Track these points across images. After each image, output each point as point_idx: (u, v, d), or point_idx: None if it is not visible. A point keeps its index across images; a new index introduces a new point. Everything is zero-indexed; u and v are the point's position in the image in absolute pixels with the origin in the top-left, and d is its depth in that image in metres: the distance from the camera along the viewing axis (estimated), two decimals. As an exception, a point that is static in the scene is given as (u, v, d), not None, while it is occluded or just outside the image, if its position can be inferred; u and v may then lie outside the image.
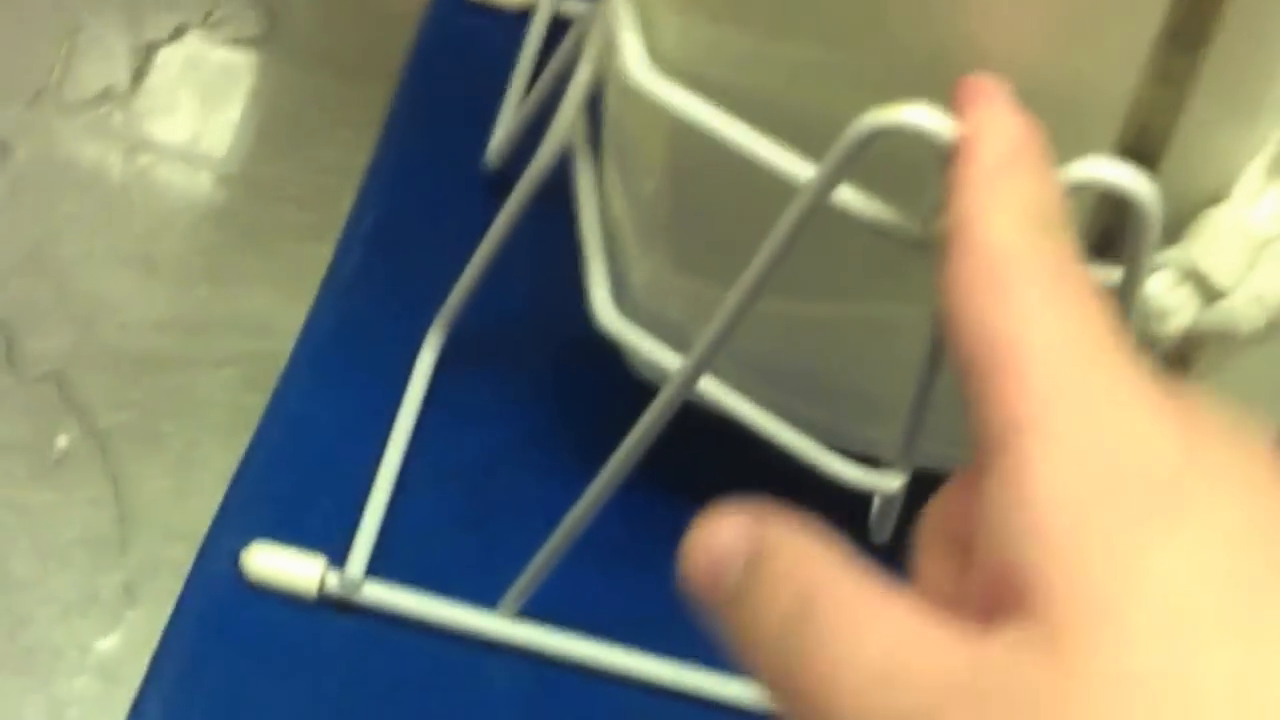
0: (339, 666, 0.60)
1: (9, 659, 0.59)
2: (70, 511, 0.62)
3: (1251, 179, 0.45)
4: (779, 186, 0.45)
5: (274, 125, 0.72)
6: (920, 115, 0.40)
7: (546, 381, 0.66)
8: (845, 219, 0.44)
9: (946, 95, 0.39)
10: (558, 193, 0.59)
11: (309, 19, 0.75)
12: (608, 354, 0.59)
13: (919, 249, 0.43)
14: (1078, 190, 0.40)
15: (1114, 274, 0.44)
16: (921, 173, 0.41)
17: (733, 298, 0.47)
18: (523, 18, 0.74)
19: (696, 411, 0.54)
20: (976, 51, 0.42)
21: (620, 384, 0.58)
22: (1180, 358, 0.49)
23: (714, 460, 0.55)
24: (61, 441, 0.63)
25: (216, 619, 0.60)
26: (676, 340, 0.55)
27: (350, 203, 0.69)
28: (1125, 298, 0.44)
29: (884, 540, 0.56)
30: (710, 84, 0.47)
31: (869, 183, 0.44)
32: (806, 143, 0.45)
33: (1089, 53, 0.42)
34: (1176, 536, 0.30)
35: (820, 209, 0.44)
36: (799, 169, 0.45)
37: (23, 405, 0.64)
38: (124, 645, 0.60)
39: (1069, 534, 0.30)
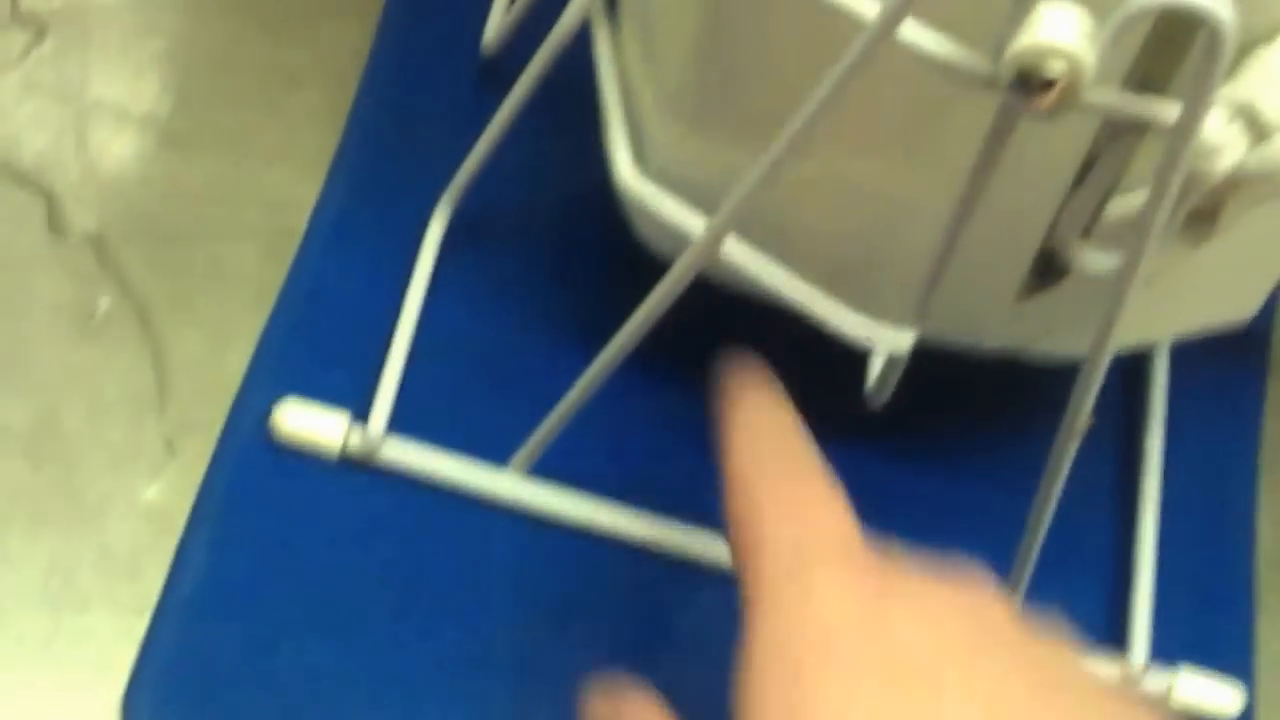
0: (357, 520, 0.61)
1: (62, 504, 0.61)
2: (112, 371, 0.64)
3: None
4: (825, 30, 0.45)
5: (288, 9, 0.74)
6: None
7: (554, 255, 0.67)
8: (905, 61, 0.44)
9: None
10: (560, 74, 0.59)
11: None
12: (614, 229, 0.59)
13: (987, 88, 0.43)
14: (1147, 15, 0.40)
15: (1168, 109, 0.44)
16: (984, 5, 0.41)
17: (772, 152, 0.47)
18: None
19: (706, 280, 0.55)
20: None
21: (627, 258, 0.58)
22: (1208, 211, 0.49)
23: (721, 327, 0.55)
24: (103, 304, 0.65)
25: (247, 474, 0.61)
26: (701, 205, 0.55)
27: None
28: (1183, 133, 0.43)
29: (880, 405, 0.58)
30: None
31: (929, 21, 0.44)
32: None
33: None
34: (830, 685, 0.41)
35: (882, 49, 0.43)
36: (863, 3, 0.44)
37: (67, 269, 0.66)
38: (168, 494, 0.61)
39: (757, 690, 0.42)
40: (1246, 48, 0.45)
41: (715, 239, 0.52)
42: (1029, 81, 0.43)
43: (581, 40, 0.59)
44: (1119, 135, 0.49)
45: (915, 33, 0.44)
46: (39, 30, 0.71)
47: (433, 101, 0.70)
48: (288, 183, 0.68)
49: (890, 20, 0.44)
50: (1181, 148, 0.43)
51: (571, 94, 0.60)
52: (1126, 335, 0.53)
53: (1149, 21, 0.44)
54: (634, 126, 0.58)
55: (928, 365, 0.57)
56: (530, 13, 0.67)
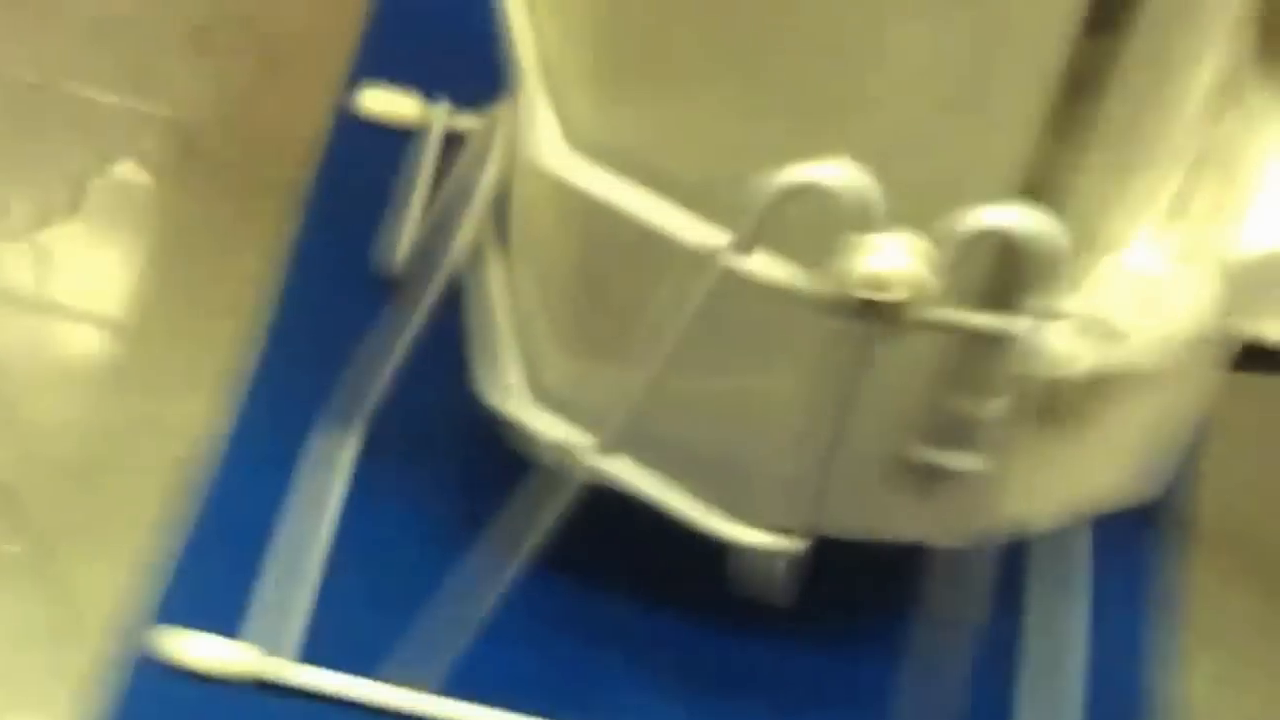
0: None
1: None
2: (14, 607, 0.64)
3: (1148, 224, 0.47)
4: (687, 259, 0.46)
5: (191, 243, 0.75)
6: (830, 171, 0.42)
7: (463, 468, 0.67)
8: (754, 286, 0.45)
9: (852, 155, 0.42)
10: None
11: (219, 146, 0.78)
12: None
13: (825, 310, 0.45)
14: (982, 238, 0.42)
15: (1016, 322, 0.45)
16: (827, 234, 0.43)
17: (640, 374, 0.49)
18: (416, 134, 0.77)
19: (604, 493, 0.55)
20: (879, 114, 0.44)
21: (529, 469, 0.59)
22: (1068, 410, 0.50)
23: (627, 539, 0.56)
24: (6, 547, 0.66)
25: (153, 705, 0.61)
26: (585, 423, 0.55)
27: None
28: (1023, 344, 0.45)
29: (789, 603, 0.58)
30: (622, 162, 0.48)
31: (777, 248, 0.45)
32: (714, 212, 0.46)
33: (983, 114, 0.44)
34: None
35: (729, 276, 0.45)
36: (708, 236, 0.46)
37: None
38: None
39: None
40: (1097, 256, 0.47)
41: (595, 460, 0.54)
42: (867, 305, 0.44)
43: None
44: (973, 344, 0.49)
45: (757, 263, 0.46)
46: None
47: (338, 322, 0.70)
48: (192, 411, 0.68)
49: (739, 248, 0.45)
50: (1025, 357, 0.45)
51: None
52: (1033, 514, 0.55)
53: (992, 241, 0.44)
54: (524, 348, 0.59)
55: (824, 553, 0.56)
56: (432, 229, 0.67)
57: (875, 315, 0.44)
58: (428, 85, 0.73)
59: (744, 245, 0.45)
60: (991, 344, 0.48)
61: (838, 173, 0.42)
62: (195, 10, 0.80)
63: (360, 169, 0.76)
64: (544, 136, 0.49)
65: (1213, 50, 0.45)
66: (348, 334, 0.69)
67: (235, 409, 0.68)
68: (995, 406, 0.48)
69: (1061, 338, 0.46)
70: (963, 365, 0.50)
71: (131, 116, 0.77)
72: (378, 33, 0.79)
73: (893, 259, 0.43)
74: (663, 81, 0.46)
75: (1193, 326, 0.47)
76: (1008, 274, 0.47)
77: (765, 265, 0.46)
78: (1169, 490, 0.61)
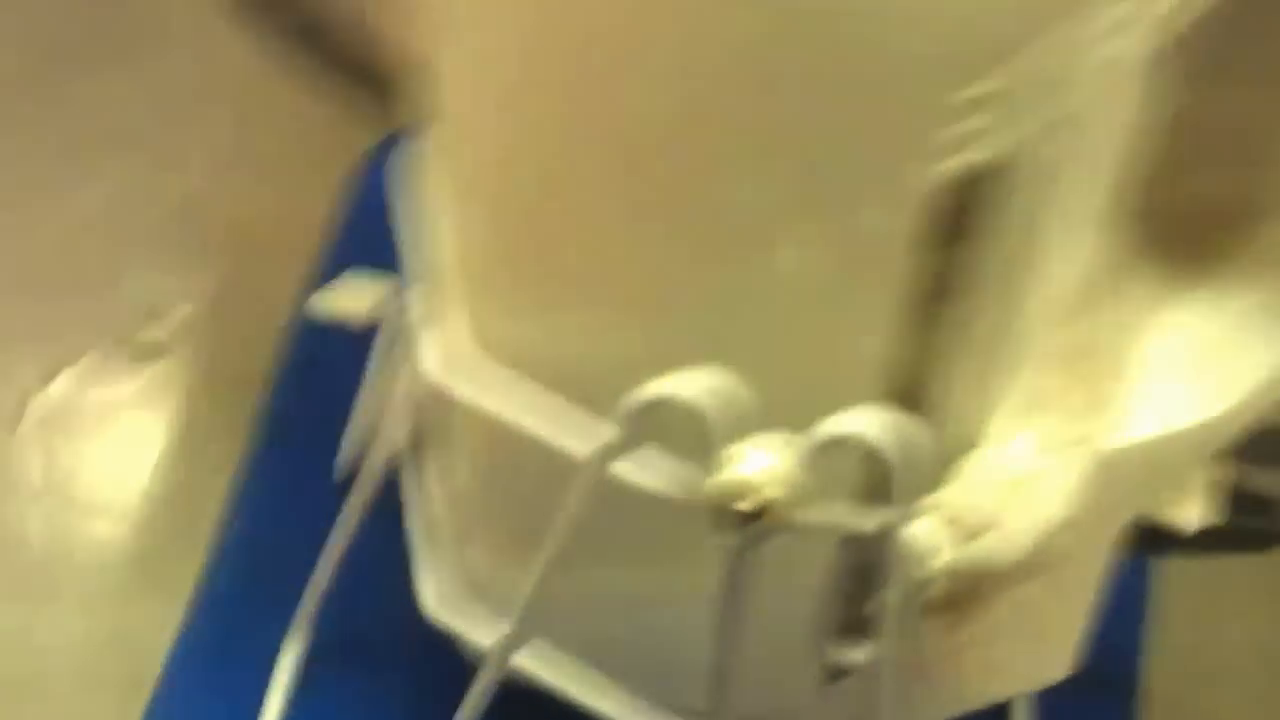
0: None
1: None
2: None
3: (1004, 423, 0.48)
4: (569, 463, 0.47)
5: (160, 440, 0.75)
6: (686, 386, 0.43)
7: (411, 674, 0.67)
8: (630, 490, 0.47)
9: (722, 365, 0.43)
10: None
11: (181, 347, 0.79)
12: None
13: (684, 514, 0.46)
14: (841, 443, 0.43)
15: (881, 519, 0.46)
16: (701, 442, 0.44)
17: (532, 574, 0.50)
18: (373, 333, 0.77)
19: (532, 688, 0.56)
20: (747, 328, 0.45)
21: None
22: (952, 602, 0.50)
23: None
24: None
25: None
26: (504, 618, 0.56)
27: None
28: (888, 542, 0.46)
29: None
30: (512, 366, 0.49)
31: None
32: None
33: (842, 322, 0.45)
34: None
35: (605, 480, 0.47)
36: (581, 444, 0.47)
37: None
38: None
39: None
40: (961, 454, 0.48)
41: (504, 659, 0.55)
42: (731, 510, 0.45)
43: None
44: (852, 542, 0.50)
45: (631, 470, 0.47)
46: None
47: (296, 525, 0.70)
48: (145, 622, 0.68)
49: (606, 457, 0.46)
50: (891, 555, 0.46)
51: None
52: (945, 701, 0.55)
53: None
54: (444, 550, 0.59)
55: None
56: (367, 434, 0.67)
57: (744, 520, 0.45)
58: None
59: (613, 453, 0.46)
60: (869, 541, 0.48)
61: (699, 384, 0.43)
62: (155, 212, 0.80)
63: (327, 363, 0.76)
64: (429, 349, 0.51)
65: (1073, 252, 0.46)
66: (303, 537, 0.69)
67: (184, 619, 0.68)
68: (885, 600, 0.49)
69: (929, 532, 0.47)
70: (847, 561, 0.51)
71: (90, 323, 0.77)
72: (349, 226, 0.79)
73: (753, 467, 0.44)
74: (541, 296, 0.48)
75: (1059, 516, 0.47)
76: (876, 473, 0.47)
77: (639, 472, 0.47)
78: (1120, 661, 0.60)
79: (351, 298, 0.75)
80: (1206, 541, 0.58)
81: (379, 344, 0.74)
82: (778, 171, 0.41)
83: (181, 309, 0.79)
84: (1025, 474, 0.47)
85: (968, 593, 0.50)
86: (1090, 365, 0.49)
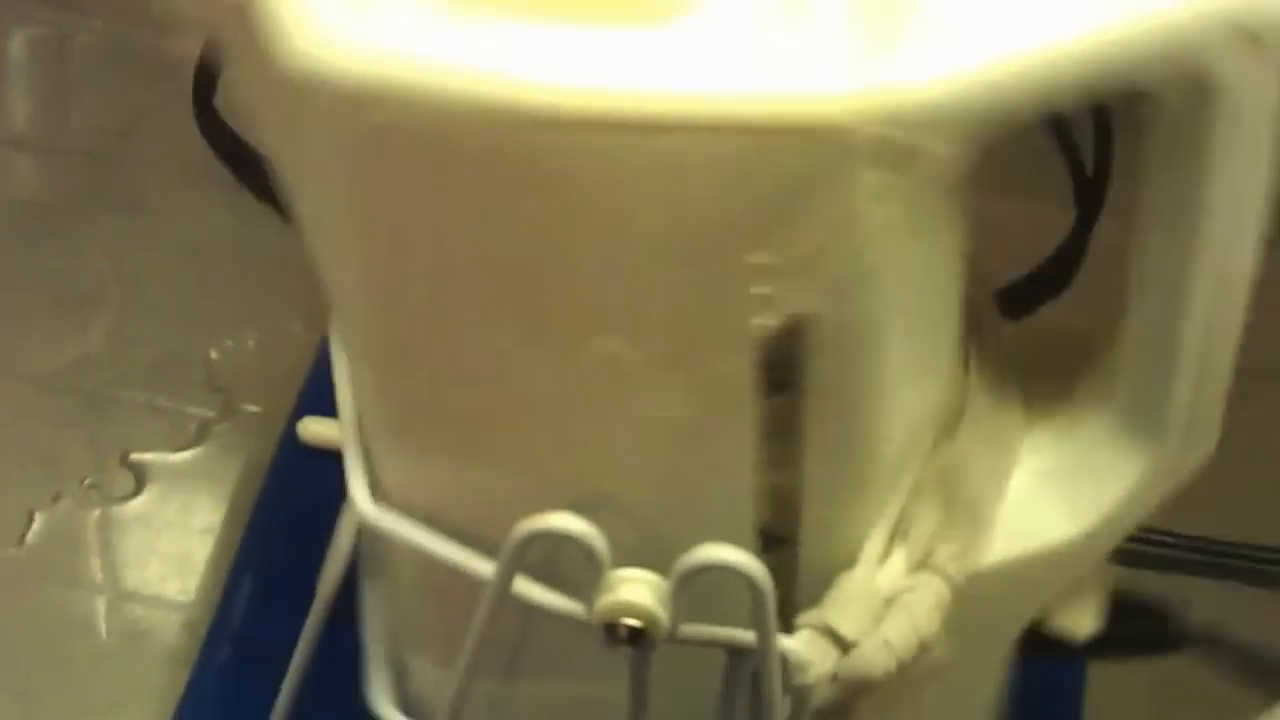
0: None
1: None
2: None
3: (874, 544, 0.51)
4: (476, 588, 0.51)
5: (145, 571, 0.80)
6: (566, 520, 0.48)
7: None
8: (527, 608, 0.51)
9: (585, 504, 0.48)
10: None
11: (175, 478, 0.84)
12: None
13: (586, 630, 0.50)
14: (704, 571, 0.47)
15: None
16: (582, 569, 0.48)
17: (450, 684, 0.54)
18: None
19: None
20: (614, 474, 0.49)
21: None
22: (841, 709, 0.54)
23: None
24: None
25: None
26: None
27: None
28: (760, 661, 0.50)
29: None
30: (422, 509, 0.53)
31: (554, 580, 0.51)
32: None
33: (707, 460, 0.49)
34: None
35: (505, 599, 0.51)
36: (484, 568, 0.52)
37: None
38: None
39: None
40: (835, 573, 0.51)
41: None
42: (615, 630, 0.50)
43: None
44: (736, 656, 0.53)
45: (528, 591, 0.51)
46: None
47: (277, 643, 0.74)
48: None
49: (503, 577, 0.51)
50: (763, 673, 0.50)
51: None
52: None
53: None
54: (394, 660, 0.63)
55: None
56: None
57: (630, 636, 0.49)
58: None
59: (504, 580, 0.50)
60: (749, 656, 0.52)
61: (568, 523, 0.48)
62: (151, 351, 0.86)
63: (305, 494, 0.80)
64: (355, 484, 0.55)
65: (916, 390, 0.49)
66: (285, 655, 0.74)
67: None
68: (772, 708, 0.52)
69: (805, 645, 0.51)
70: (734, 673, 0.54)
71: (90, 451, 0.83)
72: (326, 368, 0.84)
73: (627, 593, 0.49)
74: (433, 446, 0.52)
75: (929, 629, 0.51)
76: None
77: (534, 593, 0.51)
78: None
79: (332, 428, 0.80)
80: (1105, 647, 0.62)
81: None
82: (638, 328, 0.45)
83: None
84: (896, 590, 0.51)
85: (852, 700, 0.53)
86: (955, 490, 0.52)
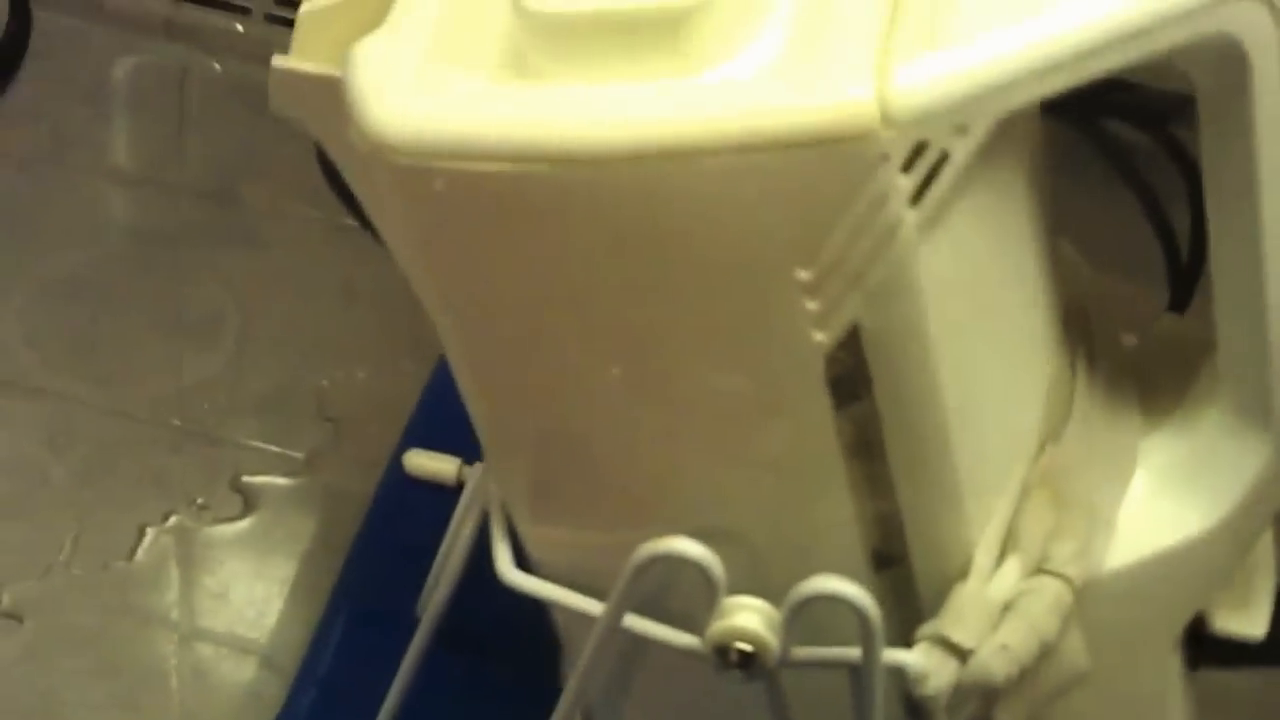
0: None
1: None
2: None
3: (984, 553, 0.51)
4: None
5: (253, 594, 0.83)
6: (685, 544, 0.49)
7: None
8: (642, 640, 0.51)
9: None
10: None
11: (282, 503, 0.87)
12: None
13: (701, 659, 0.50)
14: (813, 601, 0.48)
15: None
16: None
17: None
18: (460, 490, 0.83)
19: None
20: (720, 507, 0.50)
21: None
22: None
23: None
24: None
25: None
26: None
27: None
28: (864, 679, 0.51)
29: None
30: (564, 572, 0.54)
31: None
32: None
33: (801, 490, 0.49)
34: None
35: (619, 632, 0.51)
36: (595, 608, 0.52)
37: None
38: None
39: None
40: (949, 585, 0.51)
41: None
42: (727, 654, 0.50)
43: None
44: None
45: (637, 623, 0.52)
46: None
47: (382, 665, 0.76)
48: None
49: (618, 607, 0.51)
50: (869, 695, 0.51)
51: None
52: None
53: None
54: None
55: None
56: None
57: (742, 660, 0.50)
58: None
59: (620, 608, 0.51)
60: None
61: (686, 547, 0.49)
62: (264, 381, 0.88)
63: (407, 524, 0.82)
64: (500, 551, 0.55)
65: (986, 398, 0.49)
66: (387, 676, 0.75)
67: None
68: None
69: (920, 659, 0.51)
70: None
71: (201, 473, 0.85)
72: (430, 403, 0.86)
73: (741, 620, 0.49)
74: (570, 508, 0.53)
75: (1048, 632, 0.51)
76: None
77: (645, 625, 0.52)
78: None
79: (437, 462, 0.82)
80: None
81: (460, 506, 0.79)
82: (707, 354, 0.46)
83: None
84: (1012, 596, 0.51)
85: (987, 711, 0.53)
86: (1065, 492, 0.52)
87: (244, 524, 0.84)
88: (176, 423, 0.88)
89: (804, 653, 0.50)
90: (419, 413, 0.85)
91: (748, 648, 0.49)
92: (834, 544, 0.50)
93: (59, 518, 0.84)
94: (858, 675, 0.52)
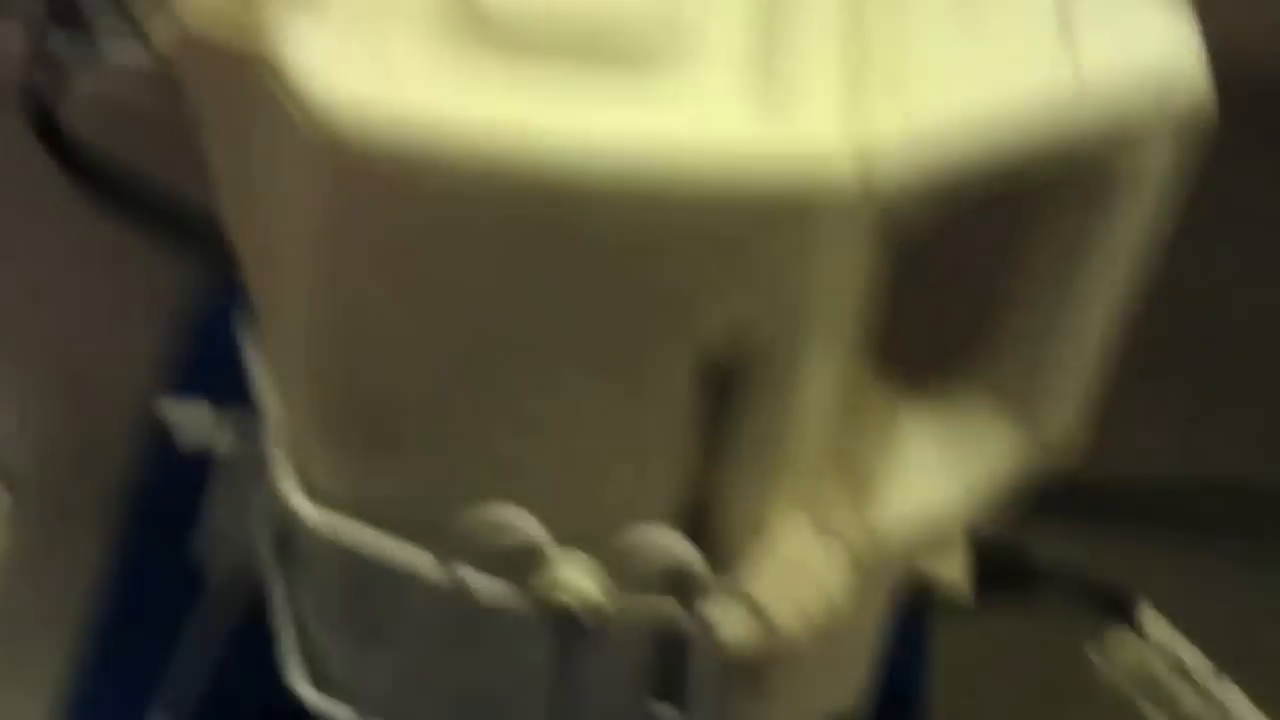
0: None
1: None
2: None
3: (782, 516, 0.54)
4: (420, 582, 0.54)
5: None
6: (508, 512, 0.51)
7: None
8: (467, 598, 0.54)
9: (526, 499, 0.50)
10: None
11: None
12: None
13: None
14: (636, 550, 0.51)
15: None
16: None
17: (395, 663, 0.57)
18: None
19: None
20: (549, 467, 0.52)
21: None
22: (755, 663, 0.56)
23: None
24: None
25: None
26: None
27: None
28: (692, 635, 0.54)
29: None
30: (358, 506, 0.55)
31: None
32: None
33: (636, 452, 0.51)
34: None
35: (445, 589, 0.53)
36: (421, 560, 0.54)
37: None
38: None
39: None
40: (740, 546, 0.54)
41: None
42: (550, 604, 0.53)
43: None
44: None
45: (468, 579, 0.54)
46: None
47: (162, 619, 0.75)
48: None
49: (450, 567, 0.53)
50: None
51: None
52: None
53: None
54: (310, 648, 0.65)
55: None
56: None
57: (561, 616, 0.53)
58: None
59: (446, 565, 0.53)
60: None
61: (509, 514, 0.51)
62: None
63: (172, 476, 0.80)
64: (287, 485, 0.56)
65: (824, 387, 0.52)
66: (172, 631, 0.74)
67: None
68: (696, 669, 0.56)
69: (717, 610, 0.54)
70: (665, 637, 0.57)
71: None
72: (181, 360, 0.86)
73: (564, 574, 0.52)
74: (380, 449, 0.54)
75: (839, 587, 0.54)
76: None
77: (474, 581, 0.54)
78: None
79: (193, 419, 0.80)
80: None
81: (221, 466, 0.79)
82: (586, 343, 0.48)
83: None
84: (805, 552, 0.54)
85: (765, 663, 0.56)
86: (853, 465, 0.56)
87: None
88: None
89: (628, 605, 0.53)
90: (168, 367, 0.83)
91: (573, 600, 0.52)
92: (652, 499, 0.52)
93: None
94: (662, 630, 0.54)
